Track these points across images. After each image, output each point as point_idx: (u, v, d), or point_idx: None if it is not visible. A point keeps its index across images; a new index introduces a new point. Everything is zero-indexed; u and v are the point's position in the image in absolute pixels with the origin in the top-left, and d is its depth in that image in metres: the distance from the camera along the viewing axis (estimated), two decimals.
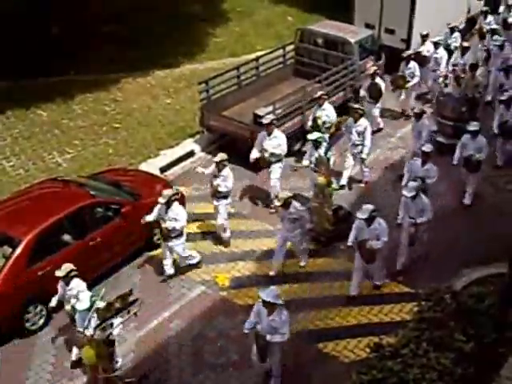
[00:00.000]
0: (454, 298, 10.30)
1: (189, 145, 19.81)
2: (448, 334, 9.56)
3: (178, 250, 14.54)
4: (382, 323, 13.67)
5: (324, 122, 17.79)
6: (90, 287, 14.07)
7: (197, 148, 19.69)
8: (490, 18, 24.50)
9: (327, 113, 18.02)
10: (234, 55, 24.99)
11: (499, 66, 21.45)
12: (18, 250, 13.09)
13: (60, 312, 13.38)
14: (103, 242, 14.03)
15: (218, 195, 15.40)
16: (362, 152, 17.47)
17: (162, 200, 14.02)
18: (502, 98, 18.54)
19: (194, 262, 15.00)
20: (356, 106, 18.01)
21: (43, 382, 12.58)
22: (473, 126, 16.66)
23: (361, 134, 17.33)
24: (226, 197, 15.47)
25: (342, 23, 22.65)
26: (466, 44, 22.37)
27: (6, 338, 13.24)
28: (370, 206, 13.42)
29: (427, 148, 15.78)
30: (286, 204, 14.07)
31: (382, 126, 20.58)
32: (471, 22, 26.13)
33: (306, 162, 16.39)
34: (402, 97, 21.25)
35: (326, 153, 15.85)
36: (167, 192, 14.16)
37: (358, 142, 17.44)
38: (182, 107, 21.60)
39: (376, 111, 20.16)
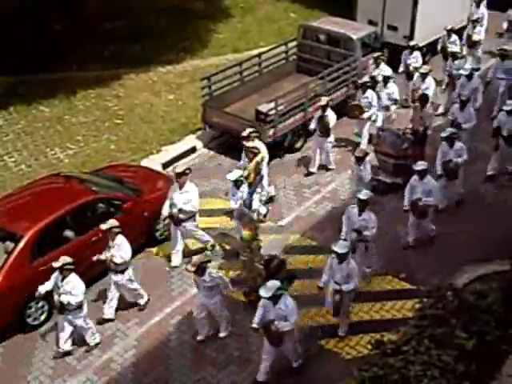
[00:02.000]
0: (455, 295, 10.28)
1: (191, 141, 19.80)
2: (450, 331, 9.54)
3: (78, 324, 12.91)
4: (384, 320, 13.67)
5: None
6: (91, 282, 14.21)
7: (199, 144, 19.69)
8: (454, 37, 22.26)
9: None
10: (236, 51, 24.97)
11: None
12: (20, 246, 13.11)
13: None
14: (105, 238, 14.01)
15: (114, 268, 13.46)
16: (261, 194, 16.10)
17: (55, 264, 12.33)
18: (444, 134, 16.26)
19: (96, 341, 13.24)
20: (250, 144, 15.89)
21: (44, 377, 12.60)
22: (419, 166, 14.98)
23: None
24: (122, 271, 13.47)
25: (344, 20, 22.64)
26: (426, 67, 20.45)
27: (7, 333, 13.26)
28: (276, 283, 11.55)
29: (364, 195, 13.87)
30: (200, 270, 12.51)
31: (333, 166, 18.54)
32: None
33: (233, 204, 14.90)
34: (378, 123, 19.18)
35: (249, 203, 14.68)
36: (62, 259, 12.37)
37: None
38: (184, 103, 21.59)
39: (328, 146, 18.32)
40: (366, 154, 16.06)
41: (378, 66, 20.23)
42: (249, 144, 15.96)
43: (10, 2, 21.98)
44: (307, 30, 22.24)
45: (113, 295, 13.61)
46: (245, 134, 16.20)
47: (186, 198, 14.53)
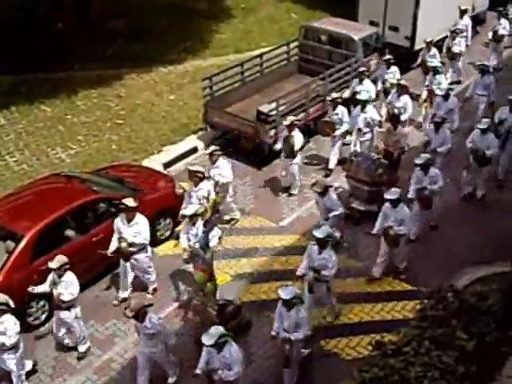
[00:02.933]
0: (456, 296, 10.29)
1: (192, 141, 19.81)
2: (450, 332, 9.55)
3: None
4: (384, 321, 13.67)
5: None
6: (92, 282, 14.22)
7: (200, 144, 19.69)
8: (434, 50, 21.66)
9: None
10: (237, 52, 25.00)
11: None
12: (21, 245, 13.11)
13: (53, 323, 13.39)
14: (106, 238, 14.01)
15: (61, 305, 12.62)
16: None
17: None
18: (418, 161, 15.17)
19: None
20: (194, 168, 14.96)
21: (45, 376, 12.61)
22: (391, 194, 14.04)
23: (203, 198, 14.79)
24: (69, 308, 12.60)
25: (346, 20, 22.66)
26: (404, 82, 19.47)
27: None
28: (219, 330, 10.77)
29: (320, 232, 12.63)
30: (140, 315, 11.41)
31: (295, 191, 17.49)
32: (475, 20, 26.14)
33: (184, 243, 13.57)
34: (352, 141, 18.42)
35: (204, 243, 13.03)
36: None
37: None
38: (186, 103, 21.60)
39: (294, 168, 17.31)
40: (327, 187, 14.70)
41: (361, 82, 19.62)
42: (193, 168, 15.01)
43: (10, 2, 21.98)
44: (309, 30, 22.26)
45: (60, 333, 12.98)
46: (208, 151, 15.76)
47: (135, 230, 13.51)
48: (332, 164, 18.23)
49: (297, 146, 16.89)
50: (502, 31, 23.78)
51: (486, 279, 13.55)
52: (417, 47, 23.06)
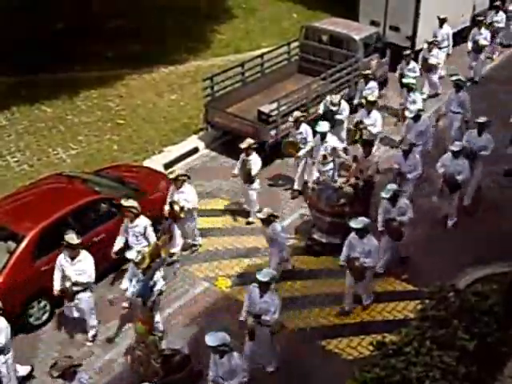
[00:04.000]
0: (457, 296, 10.30)
1: (193, 141, 19.82)
2: (451, 332, 9.55)
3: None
4: (386, 321, 13.67)
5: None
6: (95, 282, 14.20)
7: (201, 145, 19.70)
8: (413, 63, 20.78)
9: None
10: (238, 52, 24.99)
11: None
12: (22, 246, 13.11)
13: (63, 307, 13.42)
14: (107, 238, 14.02)
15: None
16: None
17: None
18: (385, 195, 14.11)
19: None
20: (128, 203, 13.60)
21: (46, 377, 12.57)
22: (357, 223, 13.07)
23: (140, 235, 13.82)
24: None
25: (346, 20, 22.62)
26: (372, 98, 18.34)
27: (11, 332, 13.26)
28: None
29: (264, 275, 11.62)
30: (68, 375, 10.51)
31: (253, 219, 16.26)
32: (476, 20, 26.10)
33: (128, 292, 12.54)
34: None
35: (143, 294, 12.01)
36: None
37: (136, 244, 13.75)
38: (187, 104, 21.61)
39: (252, 195, 16.26)
40: (272, 216, 13.70)
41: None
42: (126, 203, 13.63)
43: (10, 2, 21.97)
44: (309, 30, 22.25)
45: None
46: (172, 176, 14.80)
47: (79, 268, 12.79)
48: (297, 185, 17.40)
49: (254, 171, 15.77)
50: (482, 41, 22.72)
51: (487, 279, 13.55)
52: (418, 47, 23.02)
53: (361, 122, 17.62)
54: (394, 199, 14.13)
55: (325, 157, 16.21)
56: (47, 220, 13.52)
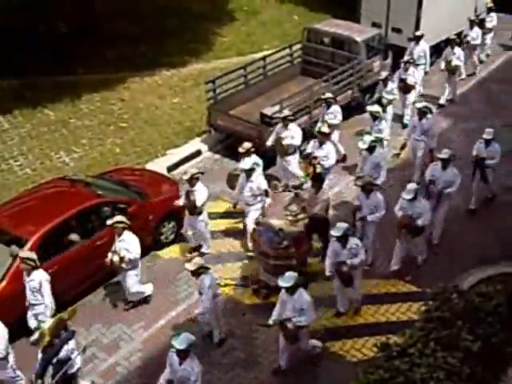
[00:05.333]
0: (461, 297, 10.29)
1: (196, 144, 19.83)
2: (455, 333, 9.54)
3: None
4: (389, 322, 13.66)
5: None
6: (96, 286, 14.22)
7: (204, 147, 19.71)
8: (391, 85, 19.61)
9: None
10: (240, 54, 25.02)
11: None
12: (25, 250, 13.09)
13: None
14: (110, 242, 14.02)
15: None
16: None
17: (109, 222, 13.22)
18: (335, 233, 12.77)
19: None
20: (25, 255, 12.39)
21: (48, 379, 12.53)
22: (285, 280, 11.57)
23: (36, 291, 12.57)
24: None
25: (348, 22, 22.57)
26: (325, 129, 16.80)
27: (13, 337, 13.24)
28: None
29: (180, 342, 10.53)
30: None
31: (207, 250, 15.34)
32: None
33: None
34: None
35: (41, 374, 11.11)
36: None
37: (34, 302, 12.65)
38: (189, 106, 21.62)
39: (201, 226, 15.26)
40: (202, 268, 12.37)
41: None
42: (23, 254, 12.45)
43: (10, 2, 21.99)
44: (311, 32, 22.23)
45: None
46: (109, 222, 13.51)
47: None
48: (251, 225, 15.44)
49: (199, 202, 14.69)
50: (455, 61, 21.29)
51: (491, 280, 13.53)
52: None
53: (312, 155, 16.40)
54: (344, 239, 12.82)
55: (255, 196, 15.19)
56: (50, 224, 13.51)
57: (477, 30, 23.50)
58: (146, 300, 14.23)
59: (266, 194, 15.35)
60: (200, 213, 14.91)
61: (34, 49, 21.65)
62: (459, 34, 23.62)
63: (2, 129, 20.26)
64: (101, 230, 14.23)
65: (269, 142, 17.53)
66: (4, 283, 12.86)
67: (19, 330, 13.23)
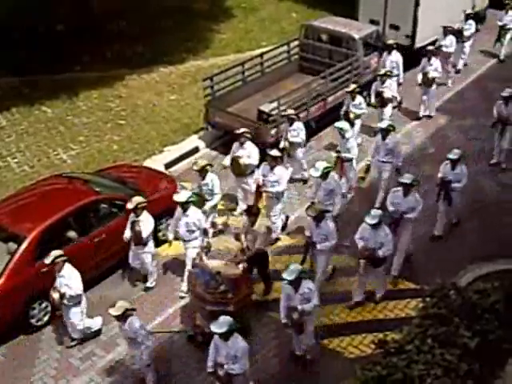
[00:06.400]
0: (459, 294, 10.28)
1: (193, 141, 19.82)
2: (453, 330, 9.54)
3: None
4: (387, 319, 13.67)
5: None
6: (95, 283, 14.21)
7: (201, 144, 19.70)
8: (359, 98, 18.53)
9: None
10: (238, 51, 24.99)
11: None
12: (23, 247, 13.12)
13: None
14: (108, 238, 14.02)
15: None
16: None
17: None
18: (288, 276, 11.62)
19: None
20: None
21: (48, 378, 12.61)
22: (218, 326, 10.72)
23: None
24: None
25: (346, 19, 22.57)
26: (275, 152, 15.60)
27: (11, 334, 13.28)
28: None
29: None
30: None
31: (152, 284, 14.64)
32: (476, 18, 26.05)
33: None
34: None
35: None
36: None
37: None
38: (187, 103, 21.61)
39: (147, 257, 14.29)
40: (129, 310, 11.57)
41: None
42: None
43: (13, 3, 22.00)
44: (309, 29, 22.22)
45: None
46: (49, 258, 12.52)
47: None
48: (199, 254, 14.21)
49: (145, 233, 13.88)
50: (432, 74, 20.21)
51: (489, 277, 13.55)
52: (417, 45, 22.98)
53: (258, 183, 15.47)
54: (296, 283, 11.77)
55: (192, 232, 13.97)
56: (48, 221, 13.53)
57: (451, 38, 22.43)
58: (96, 335, 13.41)
59: (205, 232, 14.17)
60: (145, 244, 14.06)
61: (31, 47, 21.65)
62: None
63: (0, 126, 20.23)
64: (98, 226, 14.24)
65: (226, 162, 16.74)
66: (2, 280, 12.84)
67: (18, 328, 13.31)
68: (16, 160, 18.72)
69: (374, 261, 13.30)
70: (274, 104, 18.33)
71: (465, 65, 24.23)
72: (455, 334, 9.47)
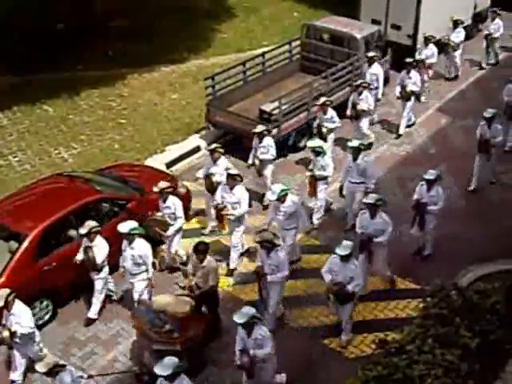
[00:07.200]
0: (459, 294, 10.29)
1: (195, 140, 19.82)
2: (454, 330, 9.55)
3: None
4: (388, 319, 13.67)
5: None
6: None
7: (203, 144, 19.69)
8: (331, 112, 17.70)
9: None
10: (240, 51, 24.99)
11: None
12: (24, 245, 13.12)
13: (66, 307, 13.42)
14: (109, 237, 14.02)
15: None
16: None
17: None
18: (238, 320, 10.95)
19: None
20: None
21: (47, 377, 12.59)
22: (162, 368, 10.10)
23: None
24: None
25: (348, 19, 22.59)
26: (233, 171, 14.76)
27: None
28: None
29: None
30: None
31: (94, 315, 13.76)
32: (477, 18, 26.10)
33: None
34: None
35: None
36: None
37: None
38: (188, 103, 21.61)
39: (98, 284, 13.58)
40: (57, 367, 10.61)
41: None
42: None
43: (15, 2, 22.02)
44: (311, 29, 22.23)
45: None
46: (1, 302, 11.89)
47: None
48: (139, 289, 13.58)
49: (99, 259, 13.22)
50: (411, 87, 19.50)
51: (490, 277, 13.55)
52: (419, 45, 22.97)
53: (219, 206, 14.61)
54: (249, 327, 11.06)
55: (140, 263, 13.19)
56: (49, 219, 13.52)
57: (432, 48, 21.64)
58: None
59: (154, 266, 13.53)
60: (100, 270, 13.42)
61: (33, 45, 21.63)
62: (413, 55, 21.76)
63: (1, 125, 20.25)
64: (100, 225, 14.23)
65: (199, 175, 15.85)
66: (3, 279, 12.85)
67: None
68: (17, 159, 18.73)
69: (343, 296, 12.45)
70: (276, 103, 18.33)
71: (456, 77, 23.53)
72: (456, 335, 9.48)
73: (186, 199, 15.69)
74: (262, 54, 21.47)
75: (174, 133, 20.01)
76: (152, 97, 21.95)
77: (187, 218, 15.50)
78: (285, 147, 18.77)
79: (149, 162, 18.39)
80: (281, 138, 18.26)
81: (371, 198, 13.56)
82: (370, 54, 20.08)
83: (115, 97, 21.89)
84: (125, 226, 13.00)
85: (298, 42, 22.39)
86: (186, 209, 15.52)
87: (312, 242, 15.93)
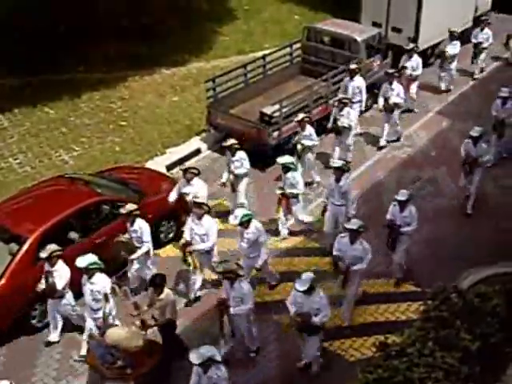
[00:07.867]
0: (460, 297, 10.28)
1: (195, 143, 19.83)
2: (454, 333, 9.54)
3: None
4: (388, 322, 13.67)
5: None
6: None
7: (203, 146, 19.71)
8: (309, 129, 17.11)
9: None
10: (240, 53, 25.01)
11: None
12: (24, 248, 13.12)
13: None
14: (109, 240, 14.02)
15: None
16: None
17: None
18: (195, 361, 10.38)
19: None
20: None
21: (49, 379, 12.61)
22: None
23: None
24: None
25: (348, 21, 22.60)
26: (200, 199, 14.05)
27: (12, 335, 13.27)
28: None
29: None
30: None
31: (55, 338, 13.33)
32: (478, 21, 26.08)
33: None
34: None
35: None
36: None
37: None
38: (189, 105, 21.62)
39: (66, 310, 13.10)
40: None
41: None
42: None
43: (16, 4, 22.02)
44: (311, 31, 22.25)
45: None
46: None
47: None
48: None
49: (60, 285, 12.60)
50: (394, 99, 19.04)
51: (490, 280, 13.53)
52: (419, 48, 22.95)
53: (186, 241, 13.71)
54: (204, 366, 10.41)
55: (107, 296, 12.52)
56: (49, 222, 13.52)
57: (416, 59, 21.05)
58: None
59: (106, 298, 12.47)
60: (61, 297, 12.85)
61: (33, 46, 21.63)
62: (398, 67, 21.13)
63: (2, 127, 20.27)
64: (100, 228, 14.24)
65: (171, 198, 15.13)
66: (3, 281, 12.84)
67: (19, 329, 13.29)
68: (18, 161, 18.73)
69: (309, 329, 11.83)
70: (276, 106, 18.34)
71: (449, 90, 23.00)
72: (456, 337, 9.48)
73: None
74: (263, 57, 21.49)
75: (174, 135, 20.01)
76: (153, 99, 21.96)
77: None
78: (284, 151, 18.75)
79: (149, 165, 18.39)
80: (281, 141, 18.26)
81: (354, 224, 13.02)
82: (352, 66, 19.33)
83: (116, 99, 21.91)
84: (83, 261, 12.35)
85: (298, 45, 22.41)
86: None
87: (312, 244, 15.92)
